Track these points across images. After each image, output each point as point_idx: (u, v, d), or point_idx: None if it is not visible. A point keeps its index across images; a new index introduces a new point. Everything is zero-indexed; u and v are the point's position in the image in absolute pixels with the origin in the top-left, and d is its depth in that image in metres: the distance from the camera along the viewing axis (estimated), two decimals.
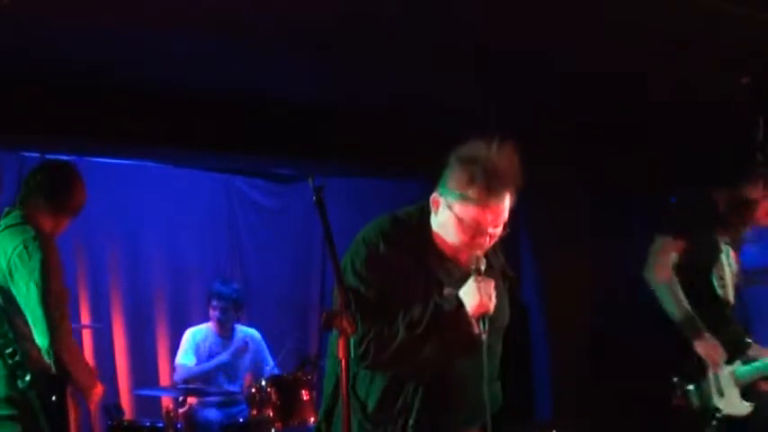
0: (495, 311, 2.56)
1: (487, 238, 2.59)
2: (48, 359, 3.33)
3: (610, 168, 5.89)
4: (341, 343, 2.32)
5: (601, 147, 5.82)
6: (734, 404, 3.97)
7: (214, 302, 5.82)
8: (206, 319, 5.96)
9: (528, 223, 6.47)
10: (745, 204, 4.09)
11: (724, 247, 4.13)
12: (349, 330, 2.33)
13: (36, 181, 3.64)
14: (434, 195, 2.64)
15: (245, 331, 5.94)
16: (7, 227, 3.49)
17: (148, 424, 5.20)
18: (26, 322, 3.37)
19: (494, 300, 2.53)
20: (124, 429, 5.22)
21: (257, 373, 5.80)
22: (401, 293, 2.55)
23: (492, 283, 2.55)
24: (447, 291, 2.59)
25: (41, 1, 3.74)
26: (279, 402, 5.09)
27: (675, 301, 3.97)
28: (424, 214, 2.67)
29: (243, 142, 5.30)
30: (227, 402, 5.72)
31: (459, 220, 2.56)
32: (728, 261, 4.16)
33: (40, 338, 3.32)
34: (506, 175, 2.57)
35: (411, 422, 2.55)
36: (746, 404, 3.98)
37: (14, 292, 3.37)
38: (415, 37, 4.23)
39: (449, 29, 4.16)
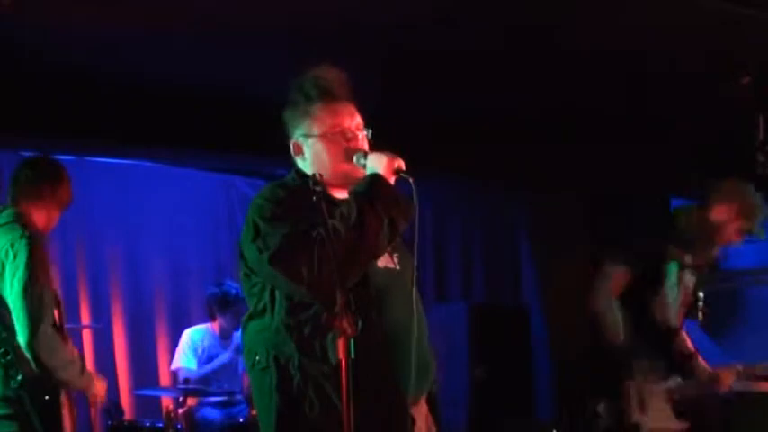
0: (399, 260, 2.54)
1: (360, 141, 2.55)
2: (28, 356, 3.32)
3: (608, 169, 5.89)
4: (341, 343, 2.32)
5: (600, 148, 5.82)
6: (661, 419, 3.94)
7: (223, 308, 5.77)
8: (206, 319, 5.95)
9: (527, 224, 6.48)
10: (712, 225, 4.04)
11: (678, 271, 4.08)
12: (349, 331, 2.32)
13: (25, 176, 3.64)
14: (292, 144, 2.65)
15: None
16: None
17: (148, 424, 5.20)
18: None
19: (400, 159, 2.45)
20: (124, 429, 5.22)
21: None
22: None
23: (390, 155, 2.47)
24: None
25: (41, 1, 3.75)
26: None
27: (615, 328, 3.94)
28: (297, 175, 2.63)
29: (243, 142, 5.30)
30: (227, 402, 5.71)
31: (324, 137, 2.55)
32: (679, 285, 4.10)
33: (21, 335, 3.32)
34: (332, 78, 2.61)
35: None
36: (679, 422, 3.95)
37: (3, 291, 3.38)
38: (415, 37, 4.23)
39: (449, 28, 4.17)
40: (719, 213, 4.00)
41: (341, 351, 2.30)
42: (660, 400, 3.94)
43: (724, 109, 4.97)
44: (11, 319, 3.35)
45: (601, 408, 3.92)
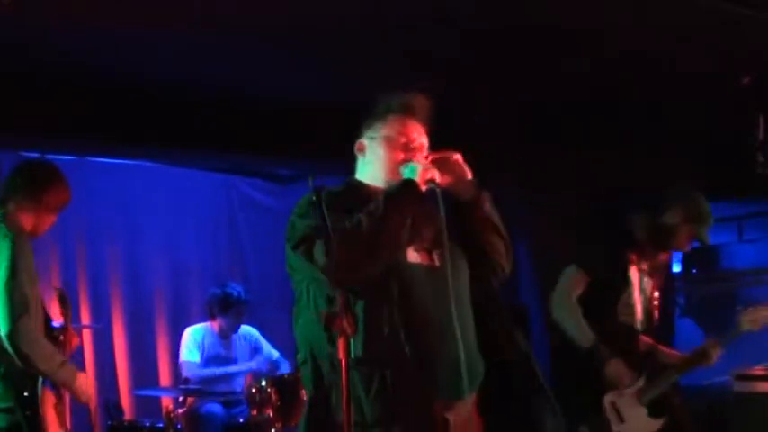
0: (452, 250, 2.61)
1: (417, 157, 2.69)
2: (8, 348, 3.34)
3: (608, 169, 5.89)
4: (341, 343, 2.32)
5: (600, 148, 5.82)
6: (639, 424, 3.96)
7: (225, 309, 5.78)
8: (205, 318, 5.95)
9: (526, 224, 6.47)
10: (664, 231, 4.10)
11: (638, 275, 4.12)
12: (349, 331, 2.33)
13: (16, 179, 3.69)
14: (357, 143, 2.80)
15: (242, 331, 5.93)
16: None
17: (148, 424, 5.20)
18: None
19: (436, 170, 2.61)
20: (124, 429, 5.23)
21: (261, 369, 5.80)
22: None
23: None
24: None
25: (41, 1, 3.74)
26: (279, 402, 5.09)
27: (582, 332, 3.95)
28: (349, 181, 2.80)
29: (243, 142, 5.30)
30: (228, 402, 5.72)
31: (387, 140, 2.72)
32: (642, 287, 4.14)
33: (2, 327, 3.34)
34: (417, 101, 2.81)
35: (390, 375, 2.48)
36: (655, 421, 3.97)
37: None
38: (414, 36, 4.23)
39: (449, 28, 4.17)
40: (670, 218, 4.08)
41: (341, 351, 2.31)
42: (634, 406, 3.97)
43: (724, 109, 4.97)
44: None
45: (583, 430, 3.93)
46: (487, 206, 2.79)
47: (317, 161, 5.43)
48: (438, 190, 2.60)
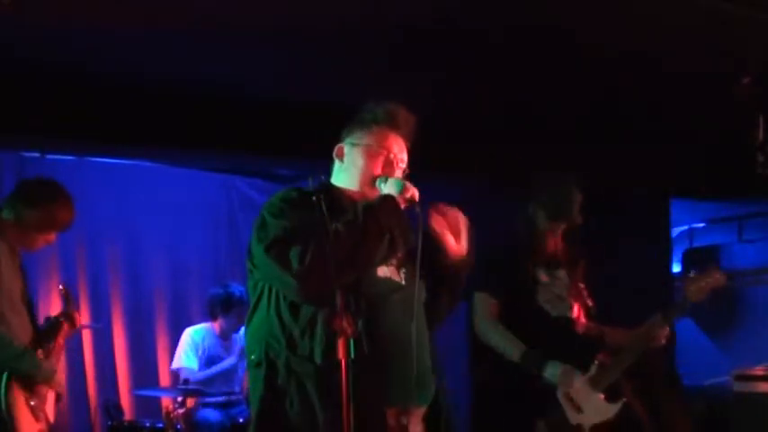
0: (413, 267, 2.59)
1: (395, 173, 2.69)
2: None
3: (608, 169, 5.89)
4: (341, 343, 2.32)
5: (600, 147, 5.81)
6: (597, 411, 3.90)
7: (227, 309, 5.77)
8: (206, 318, 5.95)
9: None
10: (534, 228, 4.09)
11: (547, 270, 4.08)
12: (348, 331, 2.33)
13: (16, 192, 3.78)
14: (336, 147, 2.79)
15: (242, 330, 5.92)
16: None
17: (148, 424, 5.20)
18: None
19: (415, 190, 2.59)
20: (124, 429, 5.23)
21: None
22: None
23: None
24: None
25: (41, 1, 3.74)
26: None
27: (512, 344, 3.91)
28: (324, 183, 2.78)
29: (243, 142, 5.30)
30: (227, 403, 5.71)
31: (367, 149, 2.70)
32: (554, 282, 4.08)
33: None
34: (403, 114, 2.77)
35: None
36: (613, 405, 3.91)
37: None
38: (414, 36, 4.23)
39: (448, 29, 4.17)
40: (540, 221, 4.08)
41: (341, 351, 2.32)
42: (589, 394, 3.90)
43: (724, 109, 4.97)
44: None
45: (541, 428, 3.91)
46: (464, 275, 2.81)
47: (317, 161, 5.42)
48: (419, 212, 2.58)
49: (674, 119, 5.55)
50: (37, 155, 5.50)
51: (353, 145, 2.75)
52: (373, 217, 2.51)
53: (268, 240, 2.53)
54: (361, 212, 2.52)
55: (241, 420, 5.41)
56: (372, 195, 2.64)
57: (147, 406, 6.01)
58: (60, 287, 4.20)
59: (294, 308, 2.53)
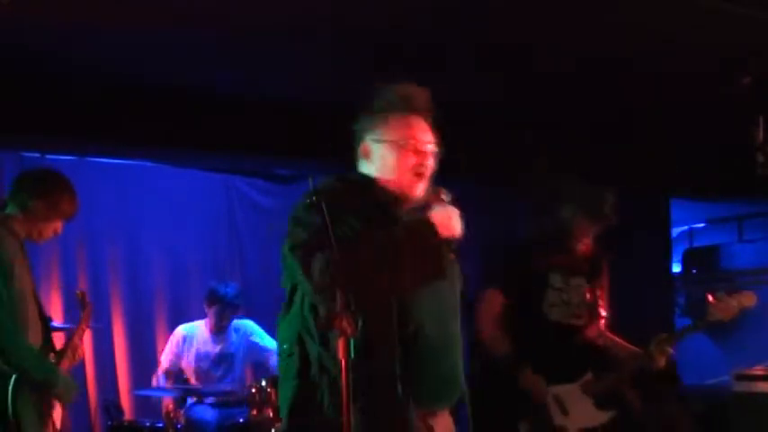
0: (449, 285, 2.57)
1: (428, 159, 2.63)
2: None
3: (608, 169, 5.89)
4: (341, 343, 2.32)
5: (600, 147, 5.82)
6: (585, 416, 3.91)
7: (210, 304, 5.79)
8: (205, 317, 5.95)
9: (525, 224, 6.46)
10: (562, 226, 4.08)
11: (560, 274, 4.07)
12: (349, 331, 2.32)
13: (18, 184, 3.75)
14: (361, 146, 2.70)
15: (237, 324, 5.89)
16: None
17: (148, 424, 5.20)
18: None
19: (458, 226, 2.53)
20: (124, 429, 5.22)
21: (259, 360, 5.78)
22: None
23: (457, 212, 2.56)
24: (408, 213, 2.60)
25: (41, 1, 3.74)
26: (279, 402, 5.06)
27: (500, 348, 3.94)
28: (355, 177, 2.69)
29: (243, 142, 5.30)
30: (227, 402, 5.70)
31: (394, 144, 2.62)
32: (567, 288, 4.08)
33: None
34: (417, 93, 2.70)
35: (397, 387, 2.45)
36: (602, 413, 3.92)
37: None
38: (414, 36, 4.24)
39: (449, 29, 4.17)
40: (565, 212, 4.07)
41: (341, 351, 2.31)
42: (579, 398, 3.92)
43: (724, 109, 4.97)
44: None
45: (524, 428, 3.90)
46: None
47: (317, 161, 5.43)
48: (452, 255, 2.55)
49: (673, 119, 5.55)
50: (37, 155, 5.49)
51: (377, 141, 2.66)
52: (411, 244, 2.47)
53: (291, 244, 2.53)
54: (403, 229, 2.49)
55: (241, 420, 5.39)
56: (413, 190, 2.61)
57: (147, 406, 6.01)
58: (78, 292, 4.20)
59: (315, 311, 2.52)
